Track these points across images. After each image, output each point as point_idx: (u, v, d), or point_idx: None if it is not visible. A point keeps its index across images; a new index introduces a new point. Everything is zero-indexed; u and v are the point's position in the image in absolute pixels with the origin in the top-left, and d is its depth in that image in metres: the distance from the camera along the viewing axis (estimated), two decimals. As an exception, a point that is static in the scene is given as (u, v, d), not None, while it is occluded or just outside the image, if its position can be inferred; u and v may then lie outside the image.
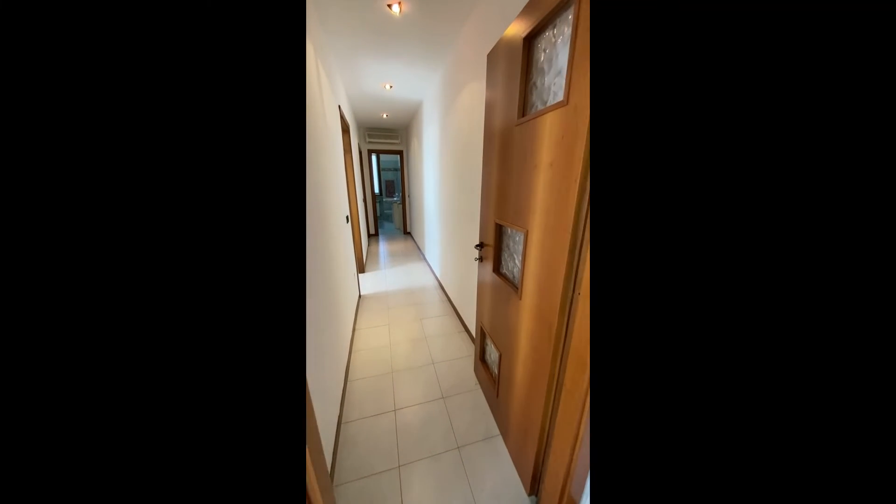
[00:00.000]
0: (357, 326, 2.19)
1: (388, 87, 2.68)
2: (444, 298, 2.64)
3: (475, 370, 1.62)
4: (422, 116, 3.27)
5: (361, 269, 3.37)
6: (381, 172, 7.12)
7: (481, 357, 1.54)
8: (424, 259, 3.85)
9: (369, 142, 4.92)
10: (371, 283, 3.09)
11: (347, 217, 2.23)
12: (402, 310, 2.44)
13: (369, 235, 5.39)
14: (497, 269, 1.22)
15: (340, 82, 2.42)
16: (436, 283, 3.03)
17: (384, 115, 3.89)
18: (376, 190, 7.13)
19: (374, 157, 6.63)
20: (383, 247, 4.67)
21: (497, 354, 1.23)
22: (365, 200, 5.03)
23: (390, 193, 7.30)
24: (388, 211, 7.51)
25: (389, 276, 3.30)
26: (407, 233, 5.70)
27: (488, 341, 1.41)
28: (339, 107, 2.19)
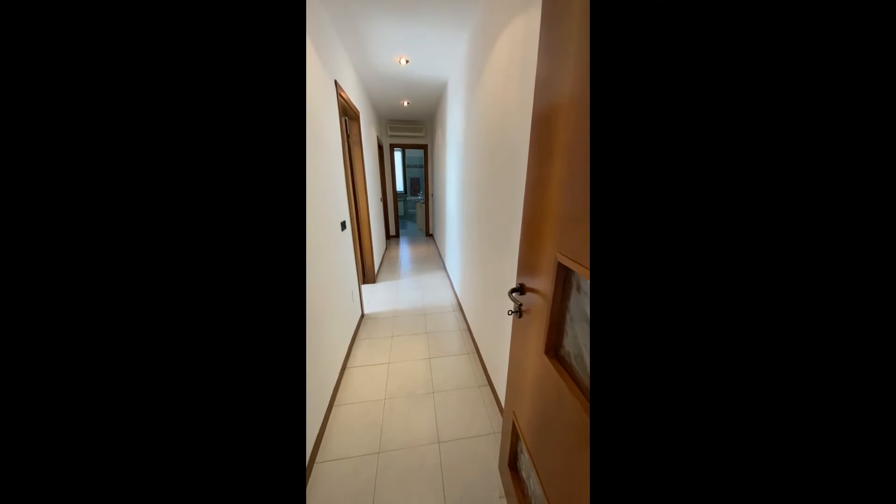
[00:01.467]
0: (349, 362, 1.73)
1: (403, 61, 2.18)
2: (464, 327, 2.09)
3: (500, 471, 1.06)
4: (446, 100, 2.72)
5: (372, 278, 2.94)
6: (407, 169, 6.73)
7: (511, 462, 0.97)
8: (444, 268, 3.33)
9: (391, 135, 4.50)
10: (380, 297, 2.63)
11: (344, 223, 1.77)
12: (410, 341, 1.94)
13: (389, 237, 5.00)
14: (555, 349, 0.65)
15: (344, 55, 1.96)
16: (454, 301, 2.49)
17: (405, 103, 3.41)
18: (399, 188, 6.77)
19: (397, 153, 6.26)
20: (403, 251, 4.23)
21: (543, 500, 0.65)
22: (385, 200, 4.63)
23: (415, 192, 6.88)
24: (412, 210, 7.09)
25: (403, 288, 2.83)
26: (429, 235, 5.23)
27: (524, 452, 0.84)
28: (337, 83, 1.73)
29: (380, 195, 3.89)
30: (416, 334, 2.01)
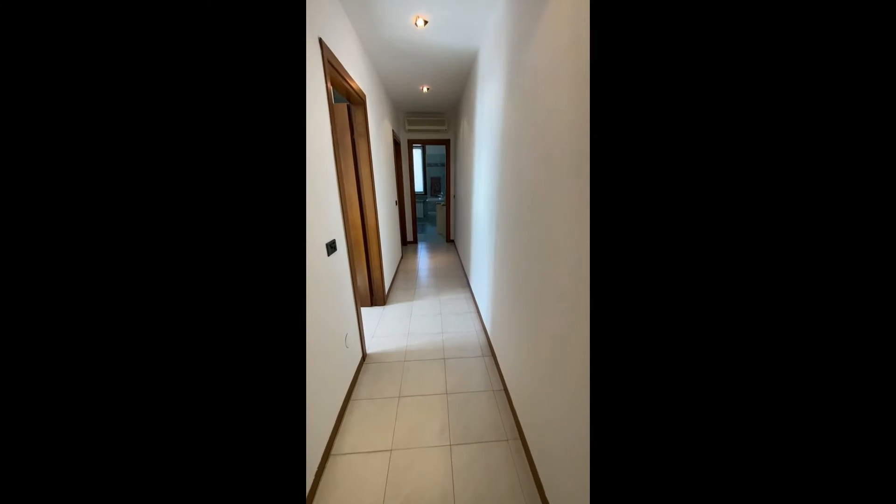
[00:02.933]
0: (337, 444, 1.22)
1: (420, 22, 1.63)
2: (498, 387, 1.52)
3: None
4: (476, 77, 2.15)
5: (382, 299, 2.45)
6: (427, 168, 6.22)
7: None
8: (468, 286, 2.76)
9: (409, 130, 3.99)
10: (390, 325, 2.12)
11: (333, 244, 1.26)
12: (424, 407, 1.40)
13: (406, 243, 4.52)
14: None
15: (340, 11, 1.44)
16: (482, 339, 1.92)
17: (424, 89, 2.87)
18: (419, 188, 6.28)
19: (416, 151, 5.76)
20: (421, 260, 3.72)
21: None
22: (400, 203, 4.15)
23: (435, 192, 6.35)
24: (432, 213, 6.59)
25: (418, 313, 2.30)
26: (450, 241, 4.68)
27: None
28: (323, 43, 1.21)
29: (395, 197, 3.40)
30: (432, 395, 1.47)
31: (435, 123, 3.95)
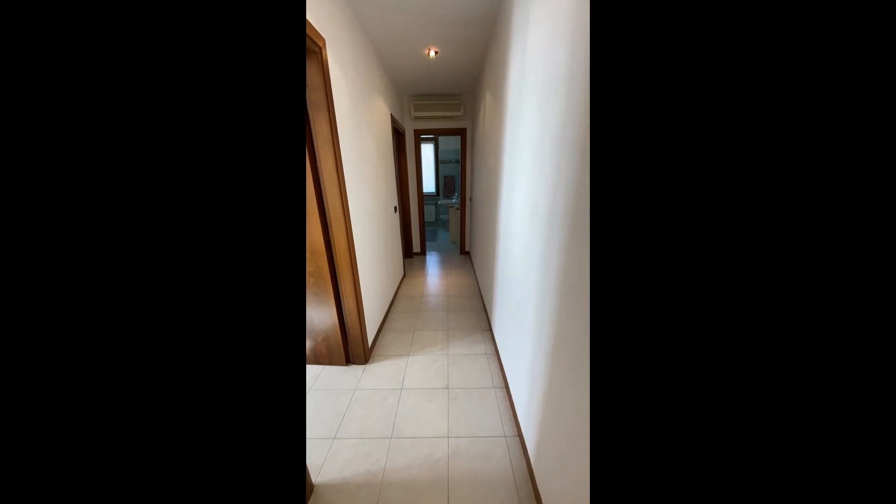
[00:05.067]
0: None
1: None
2: None
3: None
4: (509, 18, 1.31)
5: (363, 356, 1.67)
6: (440, 165, 5.42)
7: None
8: (489, 329, 1.94)
9: (416, 118, 3.21)
10: (365, 412, 1.34)
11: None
12: None
13: (412, 255, 3.75)
14: None
15: None
16: (517, 457, 1.10)
17: (431, 53, 2.06)
18: (429, 188, 5.50)
19: (426, 147, 4.97)
20: (430, 279, 2.93)
21: None
22: (405, 207, 3.38)
23: (449, 193, 5.53)
24: (445, 216, 5.78)
25: (413, 383, 1.51)
26: (465, 253, 3.86)
27: None
28: None
29: (394, 203, 2.62)
30: None
31: (448, 108, 3.13)
